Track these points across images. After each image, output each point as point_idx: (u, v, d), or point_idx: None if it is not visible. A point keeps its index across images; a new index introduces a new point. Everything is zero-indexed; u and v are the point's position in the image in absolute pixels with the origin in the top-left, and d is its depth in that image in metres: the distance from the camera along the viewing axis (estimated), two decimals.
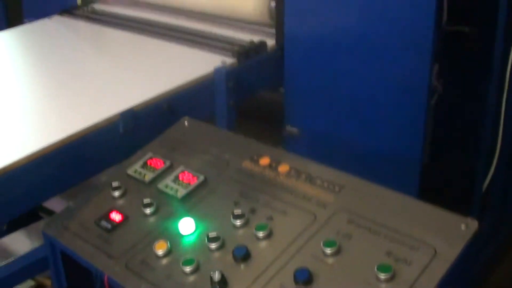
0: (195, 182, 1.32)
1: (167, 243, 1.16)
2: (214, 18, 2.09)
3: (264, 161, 1.34)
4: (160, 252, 1.15)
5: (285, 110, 1.94)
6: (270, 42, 1.92)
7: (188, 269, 1.11)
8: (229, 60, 1.81)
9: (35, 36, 2.19)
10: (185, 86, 1.67)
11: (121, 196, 1.33)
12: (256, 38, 1.93)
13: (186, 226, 1.19)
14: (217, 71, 1.72)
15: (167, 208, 1.26)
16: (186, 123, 1.53)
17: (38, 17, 2.31)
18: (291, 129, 1.94)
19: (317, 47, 1.80)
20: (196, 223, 1.20)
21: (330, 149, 1.88)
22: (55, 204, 1.75)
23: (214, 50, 1.88)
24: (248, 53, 1.84)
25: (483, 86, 1.82)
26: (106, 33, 2.15)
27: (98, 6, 2.40)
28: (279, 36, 1.89)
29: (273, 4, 1.94)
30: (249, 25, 2.00)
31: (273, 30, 1.94)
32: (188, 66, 1.79)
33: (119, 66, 1.84)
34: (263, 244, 1.13)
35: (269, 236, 1.14)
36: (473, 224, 1.08)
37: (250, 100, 1.94)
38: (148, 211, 1.26)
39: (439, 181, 1.87)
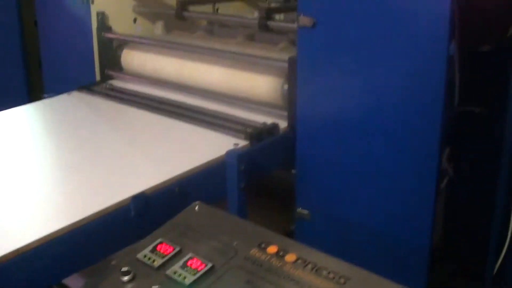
0: (202, 269, 1.35)
1: None
2: (228, 99, 2.16)
3: (272, 249, 1.37)
4: None
5: (296, 193, 1.98)
6: (283, 124, 1.98)
7: None
8: (242, 142, 1.86)
9: (53, 112, 2.28)
10: (196, 170, 1.72)
11: (130, 281, 1.36)
12: (269, 120, 1.99)
13: None
14: (229, 154, 1.77)
15: None
16: (197, 208, 1.57)
17: (58, 93, 2.39)
18: (302, 212, 1.97)
19: (328, 130, 1.86)
20: None
21: (340, 232, 1.92)
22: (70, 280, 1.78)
23: (226, 132, 1.94)
24: (260, 135, 1.90)
25: (495, 166, 1.86)
26: (122, 110, 2.23)
27: (116, 83, 2.49)
28: (291, 118, 1.95)
29: (286, 87, 2.00)
30: (262, 107, 2.06)
31: (285, 113, 2.00)
32: (201, 148, 1.85)
33: (132, 146, 1.90)
34: None
35: None
36: None
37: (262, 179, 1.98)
38: None
39: (450, 262, 1.88)
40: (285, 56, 2.01)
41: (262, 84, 2.07)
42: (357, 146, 1.80)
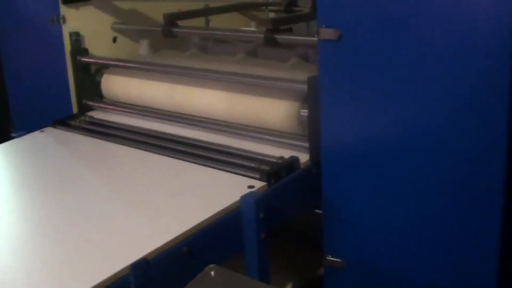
0: None
1: None
2: (234, 130, 1.90)
3: None
4: None
5: (324, 239, 1.73)
6: (303, 157, 1.73)
7: None
8: (257, 183, 1.61)
9: (23, 154, 2.01)
10: (207, 222, 1.46)
11: None
12: (285, 153, 1.74)
13: None
14: (244, 200, 1.51)
15: None
16: (212, 273, 1.30)
17: (29, 130, 2.12)
18: (333, 260, 1.72)
19: (360, 162, 1.61)
20: None
21: (379, 283, 1.66)
22: None
23: (237, 171, 1.69)
24: (279, 173, 1.65)
25: None
26: (106, 148, 1.97)
27: (97, 114, 2.23)
28: (314, 149, 1.70)
29: (304, 112, 1.75)
30: (277, 138, 1.81)
31: (305, 143, 1.75)
32: (208, 194, 1.59)
33: (123, 195, 1.63)
34: None
35: None
36: None
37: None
38: None
39: None
40: (300, 75, 1.77)
41: (275, 110, 1.82)
42: (398, 182, 1.56)
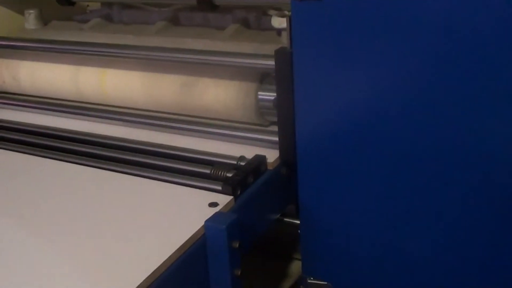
0: None
1: None
2: (169, 123, 1.43)
3: None
4: None
5: (302, 258, 1.31)
6: (268, 154, 1.29)
7: None
8: (220, 198, 1.15)
9: None
10: (162, 268, 0.99)
11: None
12: (242, 150, 1.31)
13: None
14: (211, 228, 1.06)
15: None
16: None
17: None
18: (316, 284, 1.31)
19: (347, 160, 1.20)
20: None
21: None
22: None
23: (190, 181, 1.23)
24: (245, 180, 1.20)
25: None
26: (6, 160, 1.42)
27: None
28: (285, 144, 1.26)
29: (264, 96, 1.32)
30: (227, 131, 1.35)
31: (267, 136, 1.32)
32: (154, 225, 1.12)
33: (39, 235, 1.12)
34: None
35: None
36: None
37: None
38: None
39: None
40: (249, 46, 1.34)
41: (221, 95, 1.36)
42: (397, 184, 1.16)
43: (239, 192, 1.18)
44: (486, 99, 1.02)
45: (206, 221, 1.07)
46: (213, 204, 1.14)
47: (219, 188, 1.17)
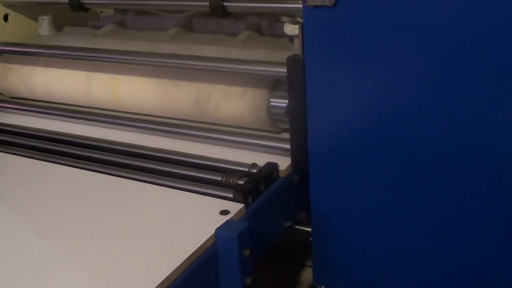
0: None
1: None
2: (182, 130, 1.42)
3: None
4: None
5: (314, 266, 1.30)
6: (280, 161, 1.28)
7: None
8: (232, 206, 1.14)
9: None
10: (173, 277, 0.98)
11: None
12: (255, 157, 1.30)
13: None
14: (222, 237, 1.05)
15: None
16: None
17: None
18: None
19: (361, 167, 1.18)
20: None
21: None
22: None
23: (202, 189, 1.21)
24: (257, 188, 1.19)
25: None
26: (13, 164, 1.42)
27: None
28: (297, 152, 1.25)
29: (276, 103, 1.31)
30: (240, 138, 1.34)
31: (279, 143, 1.31)
32: (165, 231, 1.10)
33: (50, 239, 1.11)
34: None
35: None
36: None
37: None
38: None
39: None
40: (261, 53, 1.35)
41: (234, 102, 1.35)
42: (413, 191, 1.14)
43: (250, 200, 1.16)
44: (497, 105, 1.00)
45: (217, 229, 1.06)
46: (224, 212, 1.12)
47: (231, 195, 1.16)
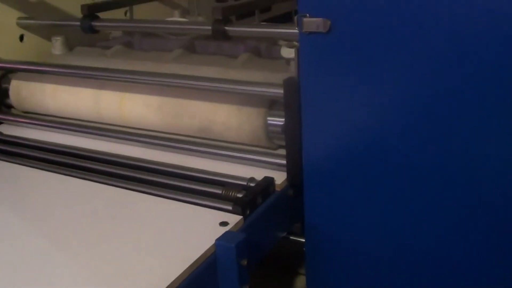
0: None
1: None
2: (184, 145, 1.42)
3: None
4: None
5: (307, 274, 1.30)
6: (275, 175, 1.28)
7: None
8: (230, 218, 1.14)
9: None
10: (175, 283, 0.98)
11: None
12: (251, 172, 1.30)
13: None
14: (222, 246, 1.05)
15: None
16: None
17: None
18: None
19: (353, 181, 1.19)
20: None
21: None
22: None
23: (201, 201, 1.22)
24: (254, 201, 1.19)
25: None
26: (22, 175, 1.42)
27: (6, 129, 1.66)
28: (292, 167, 1.26)
29: (273, 122, 1.31)
30: (239, 154, 1.35)
31: (275, 159, 1.31)
32: (168, 240, 1.10)
33: (55, 247, 1.11)
34: None
35: None
36: None
37: None
38: None
39: None
40: (259, 74, 1.35)
41: (234, 120, 1.36)
42: (405, 204, 1.15)
43: (248, 212, 1.17)
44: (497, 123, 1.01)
45: (217, 240, 1.06)
46: (223, 224, 1.13)
47: (230, 208, 1.16)
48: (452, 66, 1.01)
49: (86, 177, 1.35)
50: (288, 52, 1.27)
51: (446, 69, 1.01)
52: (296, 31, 1.13)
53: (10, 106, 1.75)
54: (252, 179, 1.26)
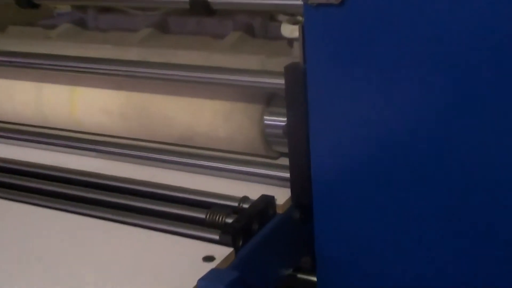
0: None
1: None
2: (155, 155, 1.45)
3: None
4: None
5: None
6: (277, 193, 1.30)
7: None
8: (218, 251, 1.16)
9: None
10: None
11: None
12: (246, 188, 1.34)
13: None
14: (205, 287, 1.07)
15: None
16: None
17: None
18: None
19: (377, 199, 1.21)
20: None
21: None
22: None
23: (180, 229, 1.23)
24: (248, 228, 1.21)
25: None
26: None
27: None
28: (298, 182, 1.28)
29: (271, 122, 1.34)
30: (229, 164, 1.38)
31: (276, 172, 1.34)
32: (138, 282, 1.12)
33: None
34: None
35: None
36: None
37: None
38: None
39: None
40: (255, 59, 1.38)
41: (221, 120, 1.38)
42: (441, 226, 1.16)
43: (241, 243, 1.18)
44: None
45: (200, 280, 1.07)
46: (208, 259, 1.14)
47: (216, 237, 1.18)
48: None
49: (25, 199, 1.36)
50: (290, 30, 1.30)
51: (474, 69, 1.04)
52: (300, 2, 1.15)
53: None
54: (245, 199, 1.28)
